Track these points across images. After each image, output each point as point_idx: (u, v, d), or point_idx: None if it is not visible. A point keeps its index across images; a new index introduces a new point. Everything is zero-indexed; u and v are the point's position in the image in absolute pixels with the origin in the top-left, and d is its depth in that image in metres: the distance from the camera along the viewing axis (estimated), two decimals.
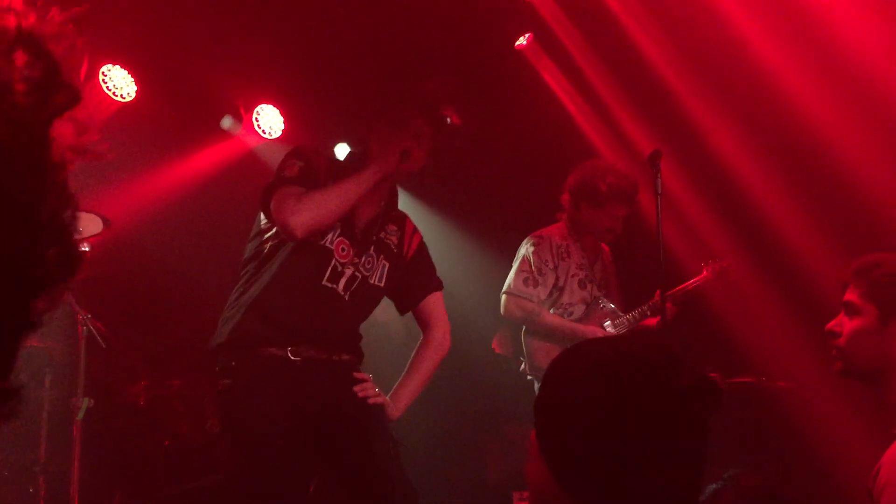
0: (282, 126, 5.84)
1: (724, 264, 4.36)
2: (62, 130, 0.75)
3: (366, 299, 3.00)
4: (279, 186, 2.81)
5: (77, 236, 0.73)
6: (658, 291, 3.95)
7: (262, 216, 2.93)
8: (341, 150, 6.30)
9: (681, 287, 4.30)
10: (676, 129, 4.96)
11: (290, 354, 2.80)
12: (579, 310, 4.26)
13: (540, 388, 1.27)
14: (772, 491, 1.59)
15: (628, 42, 5.02)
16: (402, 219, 3.15)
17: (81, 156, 0.79)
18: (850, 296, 2.05)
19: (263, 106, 5.80)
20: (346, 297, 2.90)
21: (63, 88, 0.71)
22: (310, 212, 2.73)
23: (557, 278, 4.24)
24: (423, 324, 3.15)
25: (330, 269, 2.86)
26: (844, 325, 2.06)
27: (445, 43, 5.39)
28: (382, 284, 3.02)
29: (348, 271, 2.91)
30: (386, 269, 3.02)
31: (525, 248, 4.28)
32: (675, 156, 4.58)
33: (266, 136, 5.82)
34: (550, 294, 4.24)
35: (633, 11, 4.95)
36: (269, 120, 5.82)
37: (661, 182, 3.49)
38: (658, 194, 3.49)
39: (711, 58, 4.74)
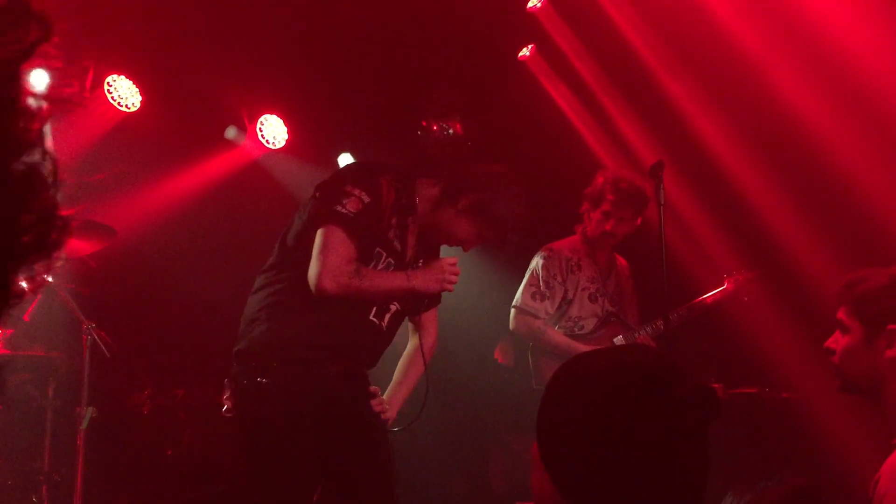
0: (286, 136, 5.87)
1: (748, 276, 4.28)
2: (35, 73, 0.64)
3: (397, 325, 3.11)
4: (334, 222, 2.77)
5: (59, 200, 0.63)
6: (685, 306, 3.96)
7: (297, 231, 2.91)
8: (344, 160, 6.33)
9: (699, 300, 4.23)
10: (679, 139, 4.97)
11: (327, 365, 2.86)
12: (590, 324, 4.22)
13: (541, 400, 1.28)
14: (817, 491, 1.59)
15: (631, 53, 5.04)
16: (436, 249, 3.16)
17: (59, 104, 0.65)
18: (840, 313, 2.08)
19: (267, 116, 5.83)
20: (384, 330, 3.00)
21: (33, 22, 0.61)
22: (345, 291, 2.76)
23: (566, 291, 4.22)
24: (420, 328, 3.18)
25: (376, 307, 2.94)
26: (838, 342, 2.08)
27: (449, 54, 5.42)
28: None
29: (393, 307, 3.00)
30: None
31: (535, 262, 4.27)
32: (678, 167, 4.58)
33: (270, 146, 5.85)
34: (560, 307, 4.22)
35: (635, 23, 4.97)
36: (273, 130, 5.85)
37: (663, 193, 3.49)
38: (661, 205, 3.48)
39: (714, 69, 4.76)
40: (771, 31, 4.43)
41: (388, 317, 2.99)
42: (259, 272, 3.05)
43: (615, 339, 4.20)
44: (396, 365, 3.22)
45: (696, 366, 4.55)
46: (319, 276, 2.74)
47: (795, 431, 4.30)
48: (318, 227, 2.79)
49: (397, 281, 2.86)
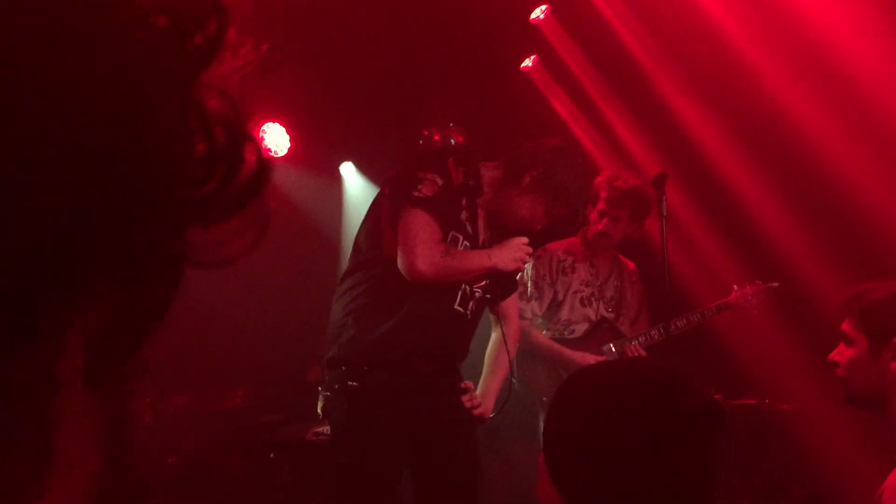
0: (288, 144, 5.89)
1: (760, 288, 4.12)
2: None
3: (480, 311, 3.12)
4: (415, 207, 2.77)
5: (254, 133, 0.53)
6: (684, 316, 3.93)
7: (368, 231, 2.92)
8: (346, 169, 6.35)
9: (698, 311, 4.10)
10: (682, 151, 4.98)
11: (417, 366, 2.87)
12: (581, 328, 4.14)
13: (547, 413, 1.30)
14: (822, 502, 1.60)
15: (633, 64, 5.06)
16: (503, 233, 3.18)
17: None
18: (845, 325, 2.09)
19: (269, 124, 5.84)
20: (469, 317, 3.01)
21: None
22: (441, 272, 2.78)
23: (556, 293, 4.15)
24: (502, 317, 3.19)
25: (461, 294, 2.94)
26: (843, 354, 2.09)
27: (452, 64, 5.44)
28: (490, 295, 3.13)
29: (477, 293, 3.01)
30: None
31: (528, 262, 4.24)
32: (681, 178, 4.60)
33: (272, 154, 5.86)
34: (549, 308, 4.18)
35: (638, 34, 4.99)
36: (275, 138, 5.87)
37: (666, 204, 3.49)
38: (663, 216, 3.48)
39: (718, 81, 4.78)
40: (778, 45, 4.45)
41: (472, 304, 2.98)
42: (339, 280, 3.07)
43: (604, 347, 4.09)
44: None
45: (696, 376, 4.55)
46: (412, 262, 2.74)
47: (796, 443, 4.30)
48: (399, 216, 2.78)
49: (481, 259, 2.87)
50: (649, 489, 1.18)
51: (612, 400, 1.23)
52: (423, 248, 2.75)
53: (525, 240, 2.99)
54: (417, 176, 2.83)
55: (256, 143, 0.53)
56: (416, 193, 2.78)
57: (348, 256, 3.11)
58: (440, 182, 2.82)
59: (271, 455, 4.94)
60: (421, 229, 2.76)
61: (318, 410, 2.96)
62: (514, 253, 2.95)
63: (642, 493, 1.18)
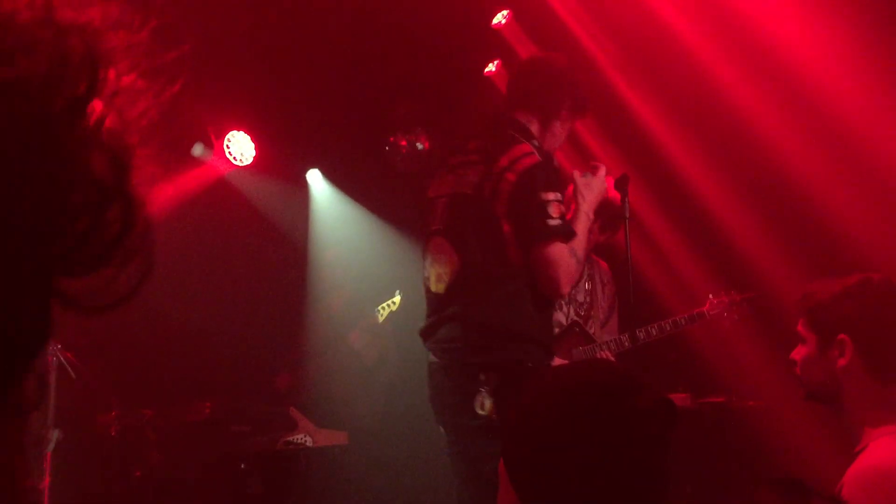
0: (253, 152, 5.85)
1: (735, 298, 4.11)
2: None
3: None
4: (551, 239, 2.88)
5: (138, 183, 0.55)
6: (656, 325, 3.97)
7: (495, 247, 2.95)
8: (313, 177, 6.33)
9: (671, 320, 4.09)
10: (643, 154, 5.03)
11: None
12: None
13: (506, 417, 1.31)
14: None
15: (595, 68, 5.11)
16: None
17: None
18: (799, 325, 2.13)
19: (234, 132, 5.81)
20: None
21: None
22: (574, 277, 2.96)
23: None
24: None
25: None
26: (799, 353, 2.13)
27: (416, 70, 5.45)
28: None
29: None
30: None
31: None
32: (642, 180, 4.64)
33: (237, 162, 5.83)
34: None
35: (598, 39, 5.04)
36: (240, 146, 5.83)
37: (628, 206, 3.51)
38: (626, 218, 3.50)
39: (678, 84, 4.84)
40: (737, 50, 4.51)
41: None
42: (467, 283, 2.98)
43: (574, 352, 4.07)
44: None
45: (664, 376, 4.59)
46: (558, 290, 2.93)
47: (762, 439, 4.36)
48: (535, 246, 2.89)
49: (585, 223, 3.01)
50: (605, 490, 1.20)
51: (566, 404, 1.24)
52: (565, 276, 2.91)
53: (582, 171, 3.12)
54: (543, 199, 2.89)
55: (128, 196, 0.56)
56: (549, 223, 2.88)
57: (312, 265, 3.16)
58: (560, 197, 2.93)
59: (241, 465, 4.90)
60: (561, 259, 2.90)
61: (482, 411, 2.90)
62: (596, 188, 3.10)
63: (599, 494, 1.19)
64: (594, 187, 3.11)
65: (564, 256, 2.90)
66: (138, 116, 0.62)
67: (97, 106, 0.57)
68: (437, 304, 3.04)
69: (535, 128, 3.10)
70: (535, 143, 3.04)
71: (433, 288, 3.06)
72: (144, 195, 0.59)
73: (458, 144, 3.20)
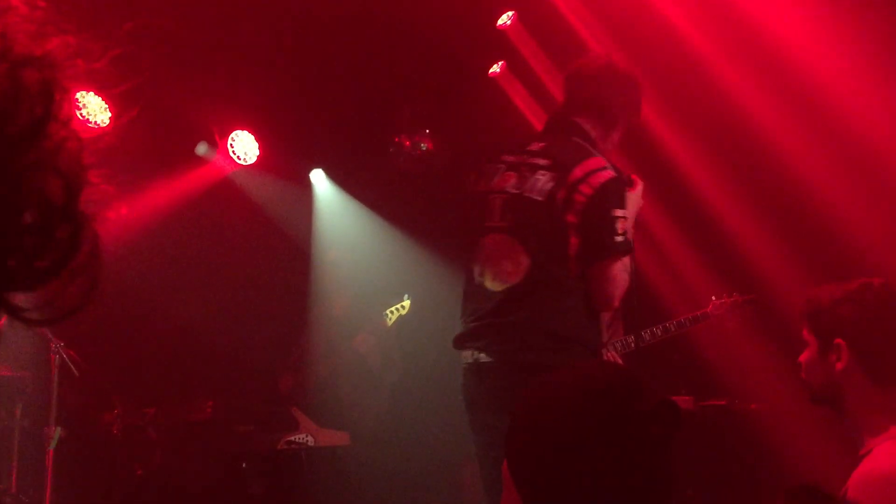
0: (257, 152, 5.86)
1: (737, 301, 4.17)
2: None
3: None
4: (615, 256, 2.91)
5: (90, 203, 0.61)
6: (661, 326, 3.96)
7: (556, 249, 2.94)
8: (316, 177, 6.33)
9: (675, 321, 4.14)
10: (648, 156, 5.03)
11: None
12: None
13: (510, 420, 1.30)
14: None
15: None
16: None
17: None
18: (804, 330, 2.14)
19: (238, 132, 5.81)
20: None
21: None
22: (624, 292, 2.99)
23: None
24: None
25: None
26: (804, 357, 2.14)
27: (421, 71, 5.46)
28: None
29: None
30: None
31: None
32: (647, 183, 4.63)
33: (241, 162, 5.83)
34: None
35: (603, 40, 5.04)
36: (244, 146, 5.84)
37: None
38: None
39: (683, 87, 4.83)
40: (743, 52, 4.51)
41: None
42: (511, 289, 2.94)
43: None
44: None
45: (667, 378, 4.59)
46: (612, 303, 2.97)
47: (763, 442, 4.35)
48: (601, 260, 2.90)
49: (630, 240, 3.00)
50: (609, 492, 1.19)
51: (570, 406, 1.24)
52: (619, 292, 2.95)
53: (628, 185, 3.09)
54: (613, 216, 2.89)
55: (78, 218, 0.60)
56: (616, 239, 2.90)
57: (315, 265, 3.14)
58: (627, 213, 2.94)
59: (243, 465, 4.90)
60: (619, 276, 2.93)
61: None
62: (636, 203, 3.09)
63: (603, 496, 1.19)
64: (634, 202, 3.09)
65: (621, 273, 2.93)
66: (95, 139, 0.67)
67: (55, 131, 0.62)
68: (495, 303, 2.93)
69: (596, 134, 3.06)
70: (598, 152, 3.03)
71: (489, 285, 2.96)
72: (96, 214, 0.64)
73: (514, 142, 3.13)
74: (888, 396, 2.01)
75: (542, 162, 2.95)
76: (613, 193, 2.90)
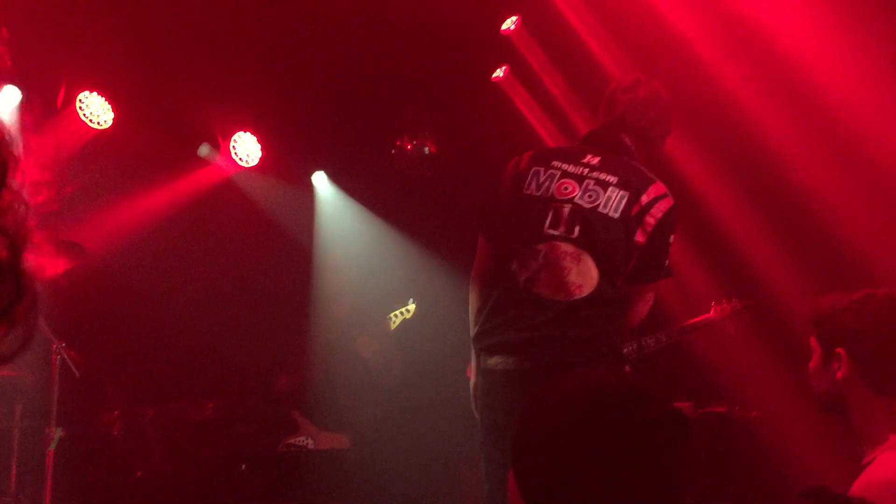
0: (259, 154, 5.86)
1: (737, 306, 4.20)
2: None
3: None
4: (662, 279, 3.04)
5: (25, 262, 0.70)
6: (664, 332, 3.99)
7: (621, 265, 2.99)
8: (318, 179, 6.33)
9: (679, 326, 4.15)
10: (652, 161, 5.03)
11: None
12: None
13: (516, 426, 1.30)
14: None
15: (603, 75, 5.11)
16: None
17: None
18: (811, 337, 2.15)
19: (241, 134, 5.82)
20: None
21: None
22: None
23: None
24: None
25: None
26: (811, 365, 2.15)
27: (424, 74, 5.46)
28: None
29: None
30: None
31: None
32: None
33: (243, 163, 5.84)
34: None
35: (607, 45, 5.04)
36: (246, 148, 5.84)
37: None
38: None
39: (687, 92, 4.83)
40: (747, 58, 4.51)
41: None
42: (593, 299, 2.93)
43: None
44: None
45: (667, 384, 4.59)
46: (641, 320, 3.10)
47: (765, 450, 4.35)
48: (652, 281, 3.01)
49: None
50: (617, 500, 1.19)
51: (577, 413, 1.24)
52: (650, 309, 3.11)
53: None
54: (670, 242, 3.00)
55: (20, 274, 0.67)
56: (667, 263, 3.03)
57: (316, 267, 3.16)
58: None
59: (242, 467, 4.90)
60: (654, 298, 3.09)
61: None
62: None
63: (608, 502, 1.19)
64: None
65: (654, 295, 3.10)
66: (41, 204, 0.76)
67: (3, 197, 0.69)
68: (554, 314, 2.87)
69: (638, 156, 3.12)
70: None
71: (544, 293, 2.89)
72: (36, 271, 0.72)
73: (563, 150, 3.16)
74: (890, 405, 2.01)
75: (611, 179, 2.95)
76: (675, 220, 2.98)
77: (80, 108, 5.17)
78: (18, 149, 0.72)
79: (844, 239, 4.17)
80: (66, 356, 4.09)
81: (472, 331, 3.03)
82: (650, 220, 2.91)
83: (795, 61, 4.28)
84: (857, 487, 1.95)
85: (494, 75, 5.65)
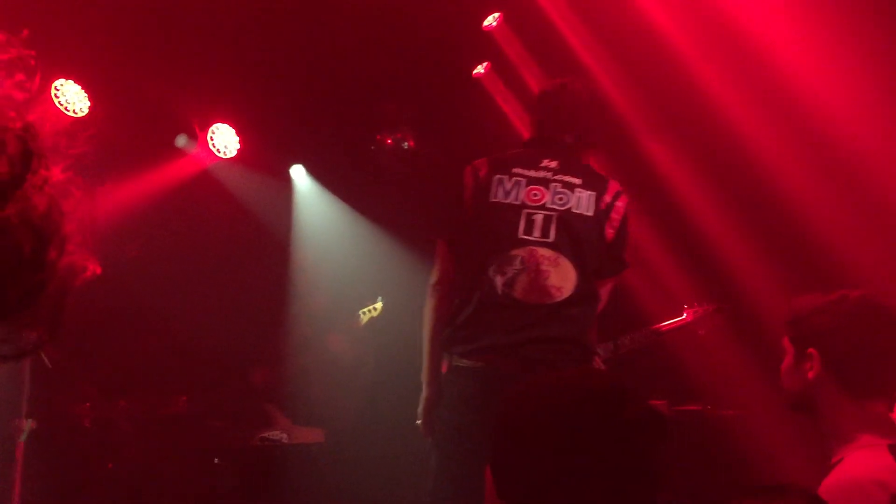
0: (237, 145, 5.82)
1: (708, 309, 4.26)
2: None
3: None
4: (625, 269, 3.21)
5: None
6: (639, 333, 4.02)
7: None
8: (297, 172, 6.30)
9: (654, 328, 4.21)
10: (630, 159, 5.05)
11: None
12: None
13: (494, 425, 1.30)
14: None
15: (584, 72, 5.12)
16: None
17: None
18: (784, 337, 2.16)
19: (219, 125, 5.77)
20: None
21: None
22: None
23: None
24: None
25: None
26: (783, 364, 2.16)
27: (405, 70, 5.44)
28: None
29: None
30: None
31: None
32: (628, 187, 4.65)
33: (221, 155, 5.79)
34: None
35: (588, 43, 5.05)
36: (224, 139, 5.80)
37: None
38: None
39: (666, 90, 4.86)
40: (725, 57, 4.53)
41: None
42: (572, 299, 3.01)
43: None
44: None
45: (642, 383, 4.61)
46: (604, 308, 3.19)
47: (738, 448, 4.39)
48: (619, 273, 3.18)
49: None
50: (592, 498, 1.19)
51: (555, 413, 1.24)
52: None
53: None
54: (629, 235, 3.16)
55: (44, 268, 0.69)
56: (629, 260, 3.18)
57: (293, 261, 3.18)
58: None
59: (216, 460, 4.87)
60: None
61: None
62: None
63: (586, 502, 1.19)
64: None
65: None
66: (73, 208, 0.77)
67: (31, 192, 0.71)
68: (539, 316, 2.93)
69: (583, 156, 3.19)
70: None
71: (523, 298, 2.94)
72: (75, 269, 0.73)
73: (519, 156, 3.13)
74: (859, 406, 2.03)
75: (575, 181, 3.03)
76: (633, 216, 3.14)
77: (56, 95, 5.10)
78: (46, 142, 0.72)
79: (820, 240, 4.21)
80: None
81: (444, 336, 3.03)
82: (615, 216, 3.05)
83: (772, 61, 4.30)
84: (826, 486, 1.97)
85: (476, 71, 5.64)
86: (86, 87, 5.18)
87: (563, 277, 2.94)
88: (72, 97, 5.15)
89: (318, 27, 5.09)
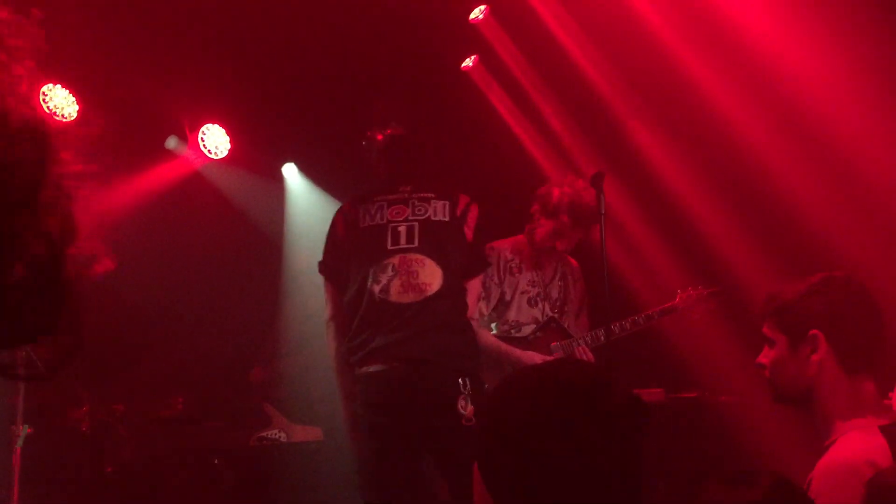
0: (228, 146, 5.81)
1: (702, 293, 4.23)
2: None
3: None
4: (486, 268, 3.80)
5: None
6: (630, 319, 4.07)
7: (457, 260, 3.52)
8: (289, 171, 6.29)
9: (645, 314, 4.16)
10: (619, 150, 5.06)
11: None
12: (528, 329, 4.16)
13: (479, 417, 1.31)
14: (791, 486, 1.60)
15: (571, 64, 5.12)
16: None
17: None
18: (765, 328, 2.15)
19: (209, 126, 5.76)
20: None
21: None
22: None
23: (503, 293, 4.17)
24: None
25: None
26: (768, 356, 2.15)
27: (393, 64, 5.44)
28: None
29: None
30: None
31: None
32: (617, 176, 4.66)
33: (212, 156, 5.78)
34: (496, 308, 4.19)
35: (575, 35, 5.06)
36: (214, 140, 5.79)
37: (604, 202, 3.53)
38: (602, 214, 3.51)
39: (654, 81, 4.86)
40: (711, 46, 4.54)
41: None
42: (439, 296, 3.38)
43: (552, 346, 4.12)
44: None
45: (637, 372, 4.62)
46: (472, 315, 3.51)
47: (734, 434, 4.40)
48: (483, 270, 3.64)
49: None
50: (579, 489, 1.20)
51: (539, 404, 1.25)
52: None
53: None
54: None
55: (61, 276, 0.64)
56: (488, 260, 3.65)
57: (287, 259, 3.37)
58: None
59: (215, 461, 4.87)
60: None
61: (464, 412, 3.26)
62: None
63: (573, 493, 1.20)
64: None
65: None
66: (85, 198, 0.74)
67: (47, 197, 0.68)
68: (413, 312, 3.31)
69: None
70: None
71: (398, 299, 3.32)
72: (86, 272, 0.68)
73: (380, 186, 3.61)
74: (856, 385, 2.04)
75: (429, 195, 3.50)
76: (483, 223, 3.54)
77: (44, 100, 5.08)
78: (59, 140, 0.68)
79: (809, 226, 4.22)
80: (31, 351, 4.03)
81: (343, 350, 3.47)
82: (471, 221, 3.51)
83: (762, 52, 4.32)
84: (820, 468, 1.98)
85: (464, 65, 5.64)
86: (74, 92, 5.16)
87: (430, 274, 3.35)
88: (60, 102, 5.14)
89: (305, 25, 5.08)
